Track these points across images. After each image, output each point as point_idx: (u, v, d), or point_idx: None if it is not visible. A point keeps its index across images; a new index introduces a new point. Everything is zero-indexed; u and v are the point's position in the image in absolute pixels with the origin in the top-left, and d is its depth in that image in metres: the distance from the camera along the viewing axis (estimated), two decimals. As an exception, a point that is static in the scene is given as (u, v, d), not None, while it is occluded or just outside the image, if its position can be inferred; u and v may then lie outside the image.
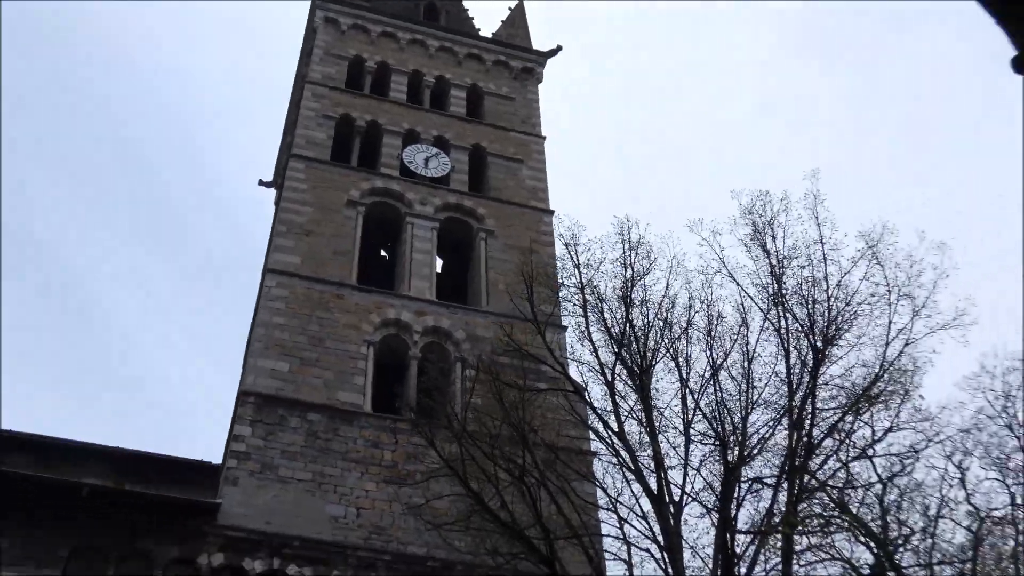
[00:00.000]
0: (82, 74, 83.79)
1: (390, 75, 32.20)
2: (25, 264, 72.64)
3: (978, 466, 18.49)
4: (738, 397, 17.14)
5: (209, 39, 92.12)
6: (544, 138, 31.88)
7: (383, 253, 30.11)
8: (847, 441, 17.13)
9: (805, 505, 16.07)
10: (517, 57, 34.40)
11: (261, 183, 35.35)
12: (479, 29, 36.39)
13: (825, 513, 16.48)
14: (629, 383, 17.27)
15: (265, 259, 26.33)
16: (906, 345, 17.52)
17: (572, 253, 18.75)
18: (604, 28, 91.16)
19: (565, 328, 21.60)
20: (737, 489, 15.96)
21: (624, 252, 18.71)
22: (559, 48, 35.19)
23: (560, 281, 18.97)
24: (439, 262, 30.05)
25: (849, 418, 17.18)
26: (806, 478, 16.26)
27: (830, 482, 16.96)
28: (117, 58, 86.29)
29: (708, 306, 18.20)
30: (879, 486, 17.85)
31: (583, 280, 18.49)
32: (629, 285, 18.27)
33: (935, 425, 17.51)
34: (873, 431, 17.78)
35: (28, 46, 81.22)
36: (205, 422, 57.95)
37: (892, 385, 17.26)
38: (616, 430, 16.61)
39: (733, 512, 15.55)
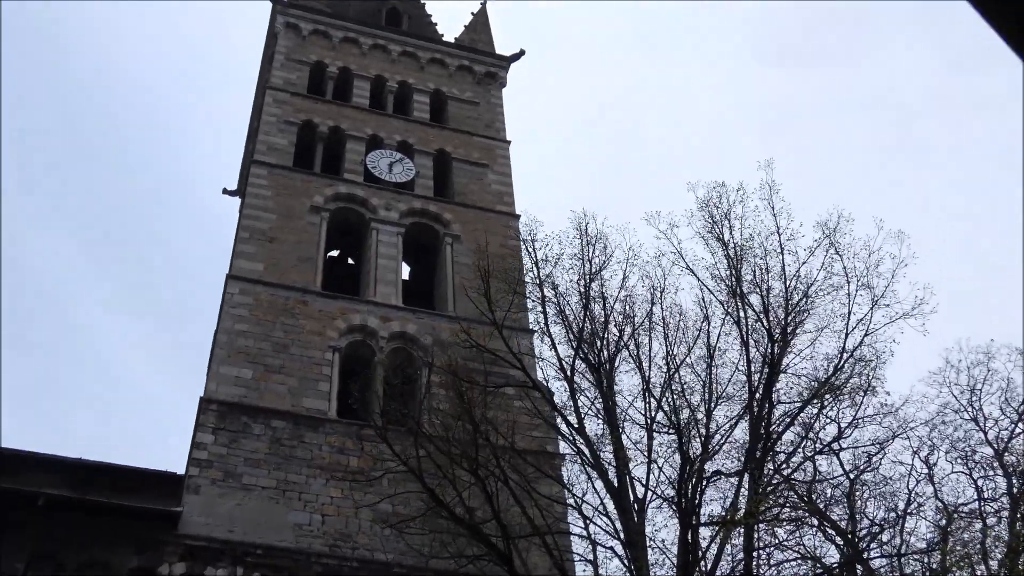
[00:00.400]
0: (31, 77, 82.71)
1: (352, 80, 32.03)
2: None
3: (944, 460, 18.56)
4: (700, 391, 17.10)
5: (169, 44, 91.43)
6: (509, 143, 31.79)
7: (350, 261, 29.96)
8: (810, 435, 17.11)
9: (771, 499, 16.02)
10: (480, 62, 34.32)
11: (225, 192, 35.07)
12: (442, 34, 36.30)
13: (788, 506, 16.42)
14: (590, 379, 17.19)
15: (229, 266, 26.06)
16: (866, 335, 17.59)
17: (529, 249, 18.71)
18: (569, 30, 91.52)
19: (533, 332, 21.50)
20: (697, 482, 15.88)
21: (582, 247, 18.65)
22: (522, 52, 35.17)
23: (517, 278, 18.79)
24: (406, 268, 30.02)
25: (812, 411, 17.18)
26: (770, 472, 16.21)
27: (796, 477, 16.92)
28: (68, 62, 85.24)
29: (661, 295, 18.17)
30: (846, 482, 17.86)
31: (541, 276, 18.43)
32: (587, 280, 18.19)
33: (900, 419, 17.51)
34: (839, 426, 17.79)
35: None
36: (170, 432, 57.04)
37: (854, 377, 17.29)
38: (576, 426, 16.51)
39: (694, 505, 15.46)
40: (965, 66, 75.86)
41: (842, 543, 17.00)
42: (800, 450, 17.13)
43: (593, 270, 18.42)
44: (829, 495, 17.80)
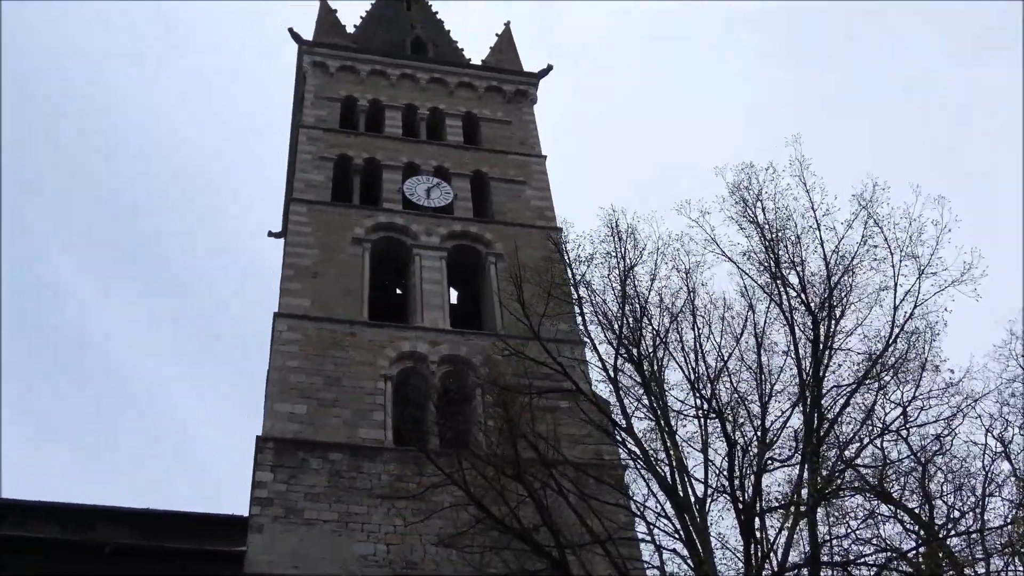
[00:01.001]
0: (81, 140, 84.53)
1: (384, 111, 32.20)
2: (42, 327, 73.26)
3: (1020, 435, 17.79)
4: (751, 381, 16.69)
5: (205, 96, 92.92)
6: (545, 157, 31.73)
7: (399, 291, 29.96)
8: (872, 418, 16.55)
9: (836, 483, 15.53)
10: (509, 81, 34.37)
11: (271, 234, 35.22)
12: (469, 58, 36.46)
13: (856, 491, 15.85)
14: (635, 378, 16.88)
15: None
16: (915, 306, 17.02)
17: (562, 251, 18.46)
18: (591, 38, 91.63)
19: (584, 344, 21.19)
20: (758, 473, 15.44)
21: (615, 243, 18.40)
22: (550, 68, 35.14)
23: (551, 281, 18.54)
24: (454, 293, 29.94)
25: (871, 392, 16.64)
26: (830, 457, 15.71)
27: (861, 461, 16.36)
28: (113, 121, 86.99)
29: (692, 286, 17.74)
30: (916, 465, 17.18)
31: (576, 277, 18.18)
32: (623, 276, 17.90)
33: (964, 394, 16.85)
34: (904, 409, 17.19)
35: (25, 111, 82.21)
36: (234, 474, 57.49)
37: (910, 352, 16.73)
38: (624, 426, 16.19)
39: (755, 497, 15.03)
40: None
41: (918, 529, 16.36)
42: (861, 433, 16.54)
43: (627, 265, 18.15)
44: (902, 482, 17.12)
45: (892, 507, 16.79)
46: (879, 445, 16.94)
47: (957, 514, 16.78)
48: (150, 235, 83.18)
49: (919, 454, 17.16)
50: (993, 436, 17.38)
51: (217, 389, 76.69)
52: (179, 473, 67.54)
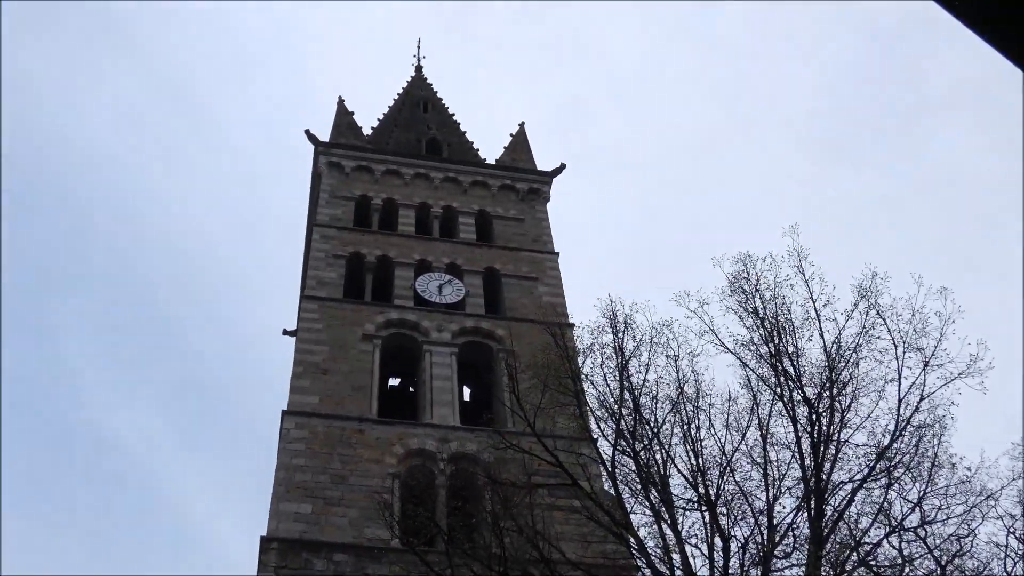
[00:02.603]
0: (101, 237, 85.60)
1: (397, 210, 32.40)
2: (59, 423, 73.14)
3: None
4: (757, 477, 16.17)
5: (225, 197, 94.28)
6: (557, 254, 31.73)
7: (411, 389, 29.66)
8: (882, 514, 15.92)
9: None
10: (522, 179, 34.54)
11: (286, 332, 35.14)
12: (484, 158, 36.74)
13: None
14: (635, 472, 16.41)
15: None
16: (921, 399, 16.51)
17: (559, 343, 18.19)
18: (610, 139, 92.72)
19: (596, 439, 20.77)
20: (765, 570, 14.81)
21: (613, 334, 18.12)
22: (563, 167, 35.36)
23: (548, 375, 18.20)
24: (467, 391, 29.64)
25: (879, 489, 16.07)
26: (836, 553, 15.06)
27: (878, 561, 15.68)
28: (129, 221, 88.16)
29: (680, 376, 17.42)
30: (937, 568, 16.44)
31: (573, 370, 17.86)
32: (621, 368, 17.58)
33: (976, 492, 16.20)
34: (919, 506, 16.57)
35: (50, 206, 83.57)
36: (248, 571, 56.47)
37: (920, 446, 16.20)
38: (623, 523, 15.64)
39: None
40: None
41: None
42: (875, 531, 15.89)
43: (625, 357, 17.82)
44: None
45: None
46: (895, 544, 16.25)
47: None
48: (167, 333, 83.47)
49: (938, 554, 16.44)
50: (1015, 537, 16.65)
51: (230, 488, 75.90)
52: (190, 571, 66.53)
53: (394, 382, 29.84)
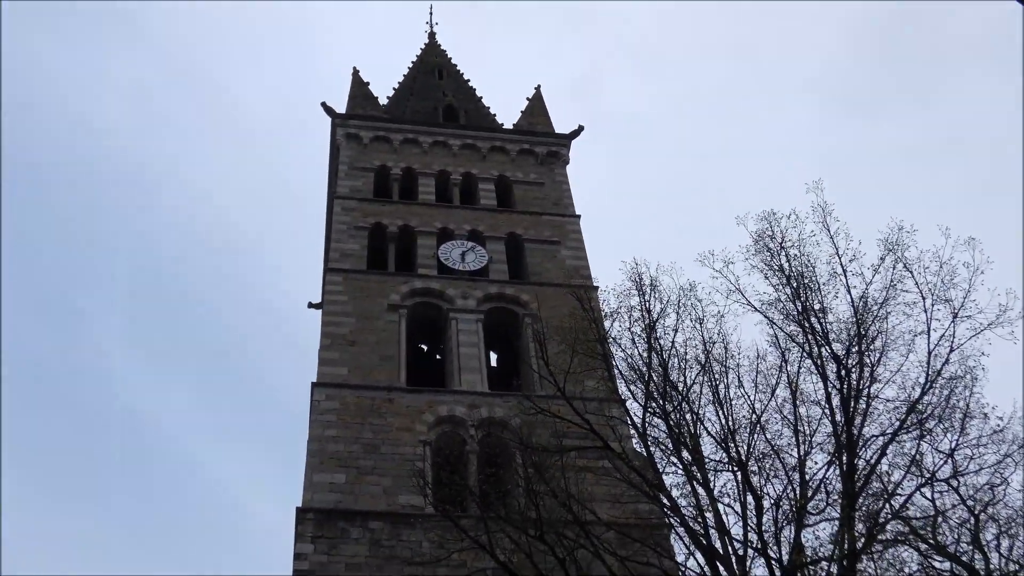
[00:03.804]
0: (124, 215, 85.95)
1: (417, 179, 32.38)
2: (92, 405, 73.99)
3: None
4: (788, 435, 16.17)
5: (242, 172, 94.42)
6: (579, 217, 31.59)
7: (438, 357, 29.74)
8: (914, 467, 15.89)
9: (884, 535, 14.90)
10: (541, 143, 34.42)
11: (310, 305, 35.25)
12: (501, 123, 36.54)
13: (902, 540, 15.16)
14: (664, 432, 16.46)
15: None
16: (951, 351, 16.42)
17: (585, 307, 18.18)
18: (627, 97, 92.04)
19: (625, 401, 20.81)
20: (797, 528, 14.85)
21: (640, 297, 18.07)
22: (581, 128, 35.16)
23: (576, 339, 18.22)
24: (494, 356, 29.70)
25: (911, 442, 16.02)
26: (869, 508, 15.06)
27: (910, 513, 15.66)
28: (149, 202, 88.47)
29: (705, 337, 17.37)
30: (970, 518, 16.39)
31: (601, 333, 17.86)
32: (649, 330, 17.55)
33: (1009, 440, 16.12)
34: (951, 457, 16.52)
35: (69, 184, 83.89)
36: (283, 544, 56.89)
37: (951, 398, 16.13)
38: (656, 483, 15.71)
39: (788, 550, 14.42)
40: None
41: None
42: (907, 483, 15.86)
43: (652, 319, 17.80)
44: (955, 533, 16.32)
45: (946, 557, 16.01)
46: (928, 496, 16.24)
47: (1016, 566, 15.97)
48: (195, 312, 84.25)
49: (972, 504, 16.41)
50: None
51: (264, 461, 76.70)
52: (228, 546, 67.49)
53: (421, 350, 29.92)
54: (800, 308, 17.26)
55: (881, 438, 16.09)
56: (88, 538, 64.41)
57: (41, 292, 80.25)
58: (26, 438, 70.64)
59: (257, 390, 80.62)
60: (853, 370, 16.48)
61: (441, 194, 32.14)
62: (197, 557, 66.25)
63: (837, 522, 15.01)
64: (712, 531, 15.27)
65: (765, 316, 17.82)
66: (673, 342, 17.65)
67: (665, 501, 15.89)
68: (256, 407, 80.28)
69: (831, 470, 15.92)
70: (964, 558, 15.68)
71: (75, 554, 62.05)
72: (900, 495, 15.72)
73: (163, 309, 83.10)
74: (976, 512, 16.31)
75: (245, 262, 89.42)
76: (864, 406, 16.23)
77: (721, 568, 14.97)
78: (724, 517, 15.41)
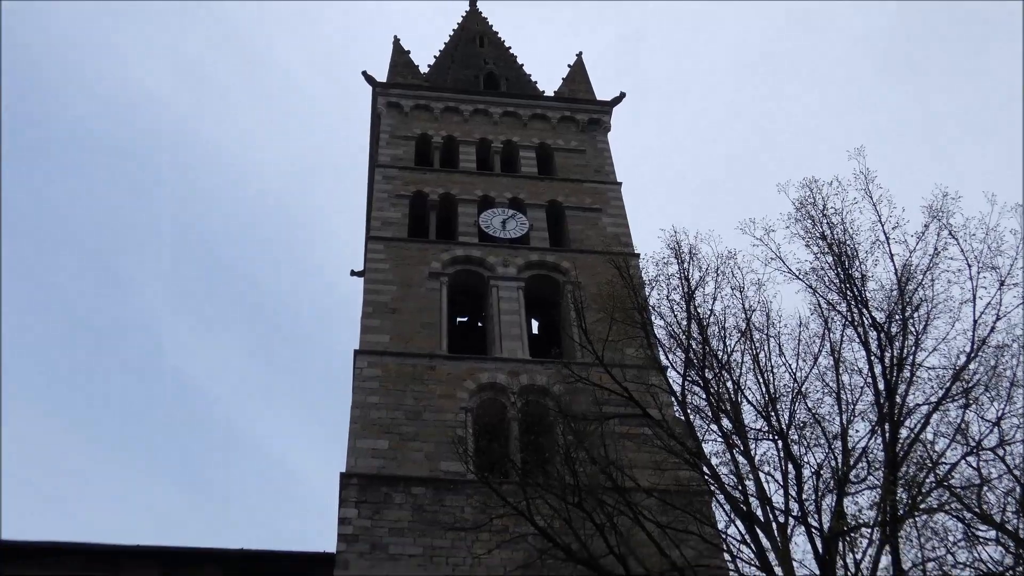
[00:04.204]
0: (169, 184, 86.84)
1: (458, 147, 32.42)
2: (142, 370, 75.25)
3: None
4: (831, 403, 16.10)
5: (284, 141, 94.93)
6: (620, 184, 31.48)
7: (479, 324, 29.86)
8: (959, 435, 15.73)
9: (928, 502, 14.84)
10: (582, 110, 34.32)
11: (353, 273, 35.47)
12: (543, 90, 36.45)
13: (947, 509, 15.05)
14: (704, 399, 16.47)
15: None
16: (997, 319, 16.23)
17: (624, 274, 18.17)
18: (669, 67, 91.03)
19: (665, 369, 20.82)
20: (839, 496, 14.82)
21: (679, 265, 18.09)
22: (622, 95, 34.95)
23: (615, 307, 18.23)
24: (535, 324, 29.77)
25: (957, 411, 15.88)
26: (911, 476, 14.97)
27: (954, 482, 15.53)
28: (193, 169, 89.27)
29: (746, 305, 17.31)
30: (1017, 487, 16.21)
31: (640, 301, 17.85)
32: (688, 298, 17.55)
33: None
34: (998, 425, 16.33)
35: (116, 154, 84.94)
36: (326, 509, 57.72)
37: (999, 367, 15.94)
38: (695, 450, 15.74)
39: (829, 519, 14.41)
40: None
41: (1017, 549, 15.39)
42: (952, 452, 15.74)
43: (691, 287, 17.81)
44: (1001, 502, 16.17)
45: (991, 526, 15.87)
46: (974, 464, 16.09)
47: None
48: (240, 279, 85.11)
49: (1018, 473, 16.23)
50: None
51: (309, 427, 77.62)
52: (274, 511, 68.62)
53: (462, 319, 30.07)
54: (842, 276, 17.17)
55: (925, 407, 16.00)
56: (133, 499, 65.74)
57: (89, 256, 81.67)
58: (75, 399, 72.16)
59: (304, 357, 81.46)
60: (896, 338, 16.36)
61: (482, 162, 32.18)
62: (245, 520, 67.50)
63: (879, 490, 14.95)
64: (753, 499, 15.33)
65: (806, 284, 17.80)
66: (711, 310, 17.68)
67: (705, 469, 15.90)
68: (301, 373, 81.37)
69: (873, 439, 15.87)
70: (1009, 527, 15.53)
71: (120, 516, 63.38)
72: (944, 464, 15.61)
73: (209, 276, 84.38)
74: (1023, 481, 16.14)
75: (290, 230, 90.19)
76: (908, 374, 16.12)
77: (762, 535, 15.01)
78: (765, 485, 15.46)
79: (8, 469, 63.11)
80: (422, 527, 20.22)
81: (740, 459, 15.96)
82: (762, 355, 17.23)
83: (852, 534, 14.47)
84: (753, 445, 16.27)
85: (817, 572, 14.32)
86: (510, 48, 40.02)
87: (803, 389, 16.73)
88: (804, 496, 15.16)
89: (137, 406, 72.82)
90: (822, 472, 15.50)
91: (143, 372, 75.78)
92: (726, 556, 15.86)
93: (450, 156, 32.34)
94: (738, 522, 15.23)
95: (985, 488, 15.97)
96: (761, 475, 15.62)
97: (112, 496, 66.80)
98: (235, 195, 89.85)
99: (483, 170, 31.72)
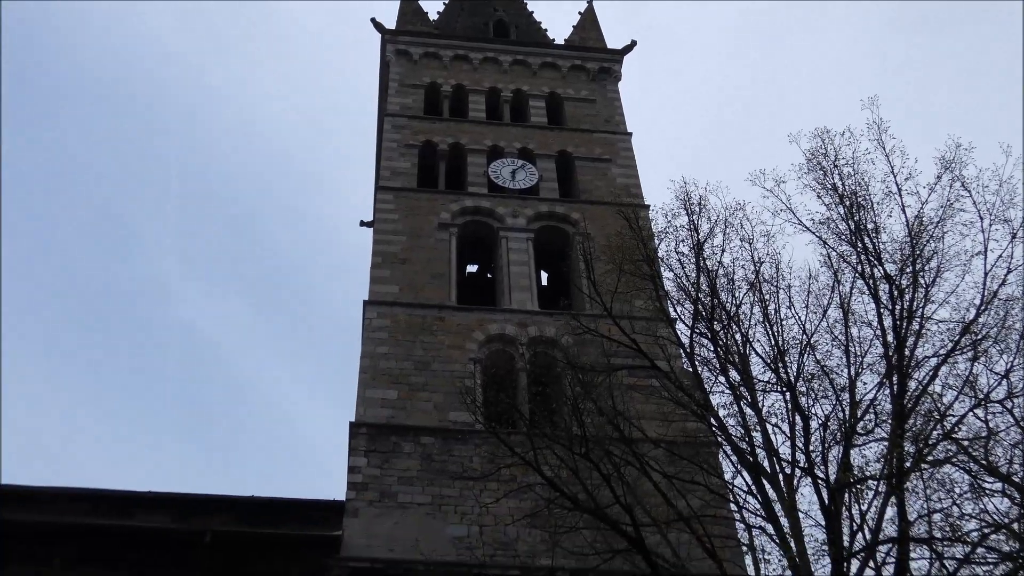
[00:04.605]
0: (174, 136, 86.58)
1: (467, 96, 32.31)
2: (151, 323, 75.68)
3: None
4: (839, 356, 16.15)
5: (293, 90, 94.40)
6: (630, 135, 31.33)
7: (488, 275, 29.90)
8: (967, 388, 15.77)
9: (934, 454, 14.95)
10: (593, 59, 34.08)
11: (363, 223, 35.41)
12: (553, 38, 36.16)
13: (953, 461, 15.14)
14: (711, 351, 16.54)
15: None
16: (1008, 272, 16.19)
17: (633, 226, 18.15)
18: (679, 14, 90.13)
19: (674, 321, 20.89)
20: (846, 448, 14.92)
21: (688, 216, 18.07)
22: (633, 44, 34.63)
23: (623, 257, 18.23)
24: (544, 275, 29.80)
25: (965, 364, 15.91)
26: (919, 428, 15.05)
27: (960, 435, 15.60)
28: (199, 119, 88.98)
29: (755, 257, 17.39)
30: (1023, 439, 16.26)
31: (648, 252, 17.85)
32: (697, 249, 17.59)
33: None
34: (1006, 378, 16.34)
35: (118, 104, 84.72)
36: (336, 459, 58.35)
37: (1007, 319, 15.93)
38: (702, 402, 15.84)
39: (836, 471, 14.54)
40: None
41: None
42: (959, 404, 15.80)
43: (700, 238, 17.80)
44: (1009, 455, 16.25)
45: (998, 478, 15.95)
46: (981, 417, 16.14)
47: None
48: (248, 229, 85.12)
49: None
50: None
51: (317, 377, 78.15)
52: (284, 460, 69.32)
53: (472, 269, 30.21)
54: (853, 227, 17.13)
55: (934, 359, 16.05)
56: (142, 452, 66.50)
57: (95, 206, 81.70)
58: (82, 351, 72.67)
59: (312, 307, 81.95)
60: (907, 290, 16.35)
61: (491, 111, 32.08)
62: (255, 470, 68.28)
63: (886, 442, 15.03)
64: (759, 450, 15.43)
65: (816, 235, 17.75)
66: (720, 262, 17.69)
67: (712, 420, 16.00)
68: (310, 324, 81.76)
69: (881, 391, 15.98)
70: (1016, 479, 15.62)
71: (129, 467, 64.17)
72: (952, 416, 15.67)
73: (217, 227, 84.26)
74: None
75: (298, 180, 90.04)
76: (917, 327, 16.14)
77: (768, 486, 15.13)
78: (772, 437, 15.56)
79: (12, 418, 63.63)
80: (431, 476, 20.41)
81: (747, 411, 16.05)
82: (771, 307, 17.25)
83: (858, 486, 14.59)
84: (761, 397, 16.34)
85: (823, 522, 14.46)
86: (520, -5, 39.60)
87: (812, 341, 16.76)
88: (811, 448, 15.24)
89: (145, 359, 73.31)
90: (829, 424, 15.57)
91: (151, 324, 76.24)
92: (732, 506, 16.03)
93: (459, 105, 32.22)
94: (744, 473, 15.36)
95: (992, 440, 16.01)
96: (768, 426, 15.74)
97: (121, 447, 67.56)
98: (243, 145, 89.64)
99: (492, 119, 31.64)
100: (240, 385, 76.45)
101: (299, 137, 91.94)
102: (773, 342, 16.70)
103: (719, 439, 16.14)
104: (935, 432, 15.28)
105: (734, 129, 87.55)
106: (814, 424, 15.53)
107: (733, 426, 15.77)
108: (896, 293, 16.40)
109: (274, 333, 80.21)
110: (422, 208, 27.38)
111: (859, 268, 16.95)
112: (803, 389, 15.99)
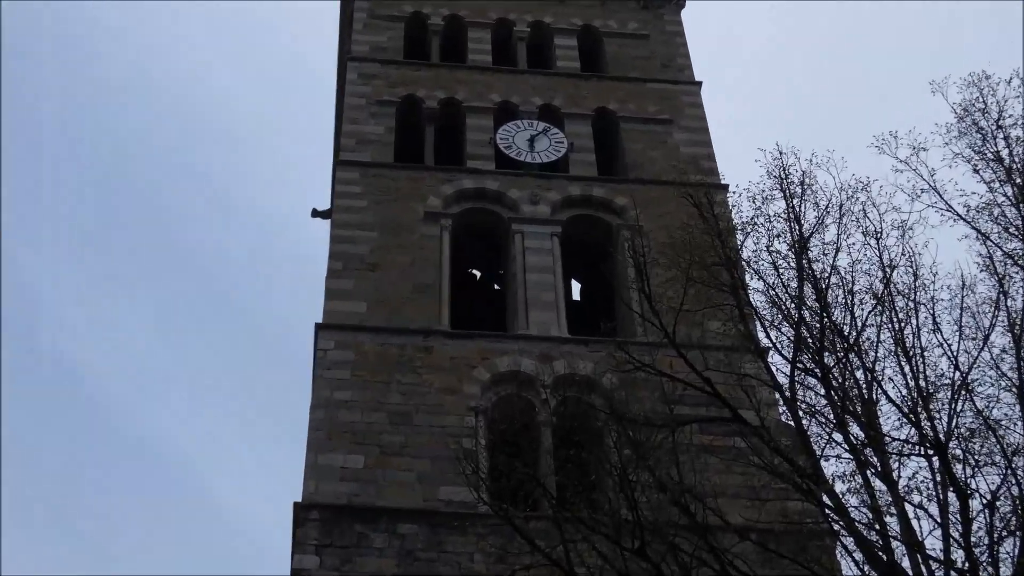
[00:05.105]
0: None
1: (466, 31, 32.58)
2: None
3: None
4: (1012, 405, 15.85)
5: (229, 42, 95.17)
6: (700, 84, 31.59)
7: (496, 287, 29.71)
8: None
9: None
10: (645, -24, 34.14)
11: (315, 214, 35.12)
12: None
13: None
14: (823, 395, 16.31)
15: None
16: None
17: (706, 215, 17.84)
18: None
19: (766, 352, 20.65)
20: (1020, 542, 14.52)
21: (787, 204, 17.80)
22: (702, -46, 34.36)
23: (689, 260, 17.98)
24: (576, 285, 29.56)
25: None
26: None
27: None
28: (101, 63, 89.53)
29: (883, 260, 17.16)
30: None
31: (728, 253, 17.52)
32: (799, 250, 17.32)
33: None
34: None
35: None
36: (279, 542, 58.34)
37: None
38: (806, 470, 15.53)
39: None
40: None
41: None
42: None
43: (805, 233, 17.49)
44: None
45: None
46: None
47: None
48: (161, 224, 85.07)
49: None
50: None
51: (252, 436, 77.67)
52: (207, 547, 69.29)
53: (472, 276, 30.39)
54: None
55: None
56: (45, 541, 66.66)
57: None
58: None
59: (244, 332, 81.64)
60: None
61: (501, 54, 32.22)
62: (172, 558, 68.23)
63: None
64: (895, 543, 15.07)
65: (974, 228, 17.40)
66: (834, 266, 17.37)
67: (825, 499, 15.63)
68: (241, 357, 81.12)
69: None
70: None
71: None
72: None
73: (122, 219, 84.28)
74: None
75: (230, 152, 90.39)
76: None
77: None
78: (914, 523, 15.16)
79: None
80: (412, 581, 20.11)
81: (877, 483, 15.68)
82: (908, 331, 16.96)
83: None
84: (895, 463, 16.00)
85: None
86: None
87: (968, 381, 16.38)
88: (972, 540, 14.82)
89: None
90: (998, 504, 15.14)
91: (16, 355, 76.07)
92: None
93: (454, 45, 32.39)
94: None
95: None
96: (908, 508, 15.31)
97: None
98: (158, 104, 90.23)
99: (502, 65, 31.79)
100: (134, 443, 75.95)
101: (235, 95, 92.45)
102: (912, 382, 16.36)
103: (835, 526, 15.73)
104: None
105: (846, 74, 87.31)
106: (976, 504, 15.15)
107: (855, 507, 15.44)
108: None
109: (186, 369, 79.71)
110: (401, 191, 27.28)
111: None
112: (958, 452, 15.64)
